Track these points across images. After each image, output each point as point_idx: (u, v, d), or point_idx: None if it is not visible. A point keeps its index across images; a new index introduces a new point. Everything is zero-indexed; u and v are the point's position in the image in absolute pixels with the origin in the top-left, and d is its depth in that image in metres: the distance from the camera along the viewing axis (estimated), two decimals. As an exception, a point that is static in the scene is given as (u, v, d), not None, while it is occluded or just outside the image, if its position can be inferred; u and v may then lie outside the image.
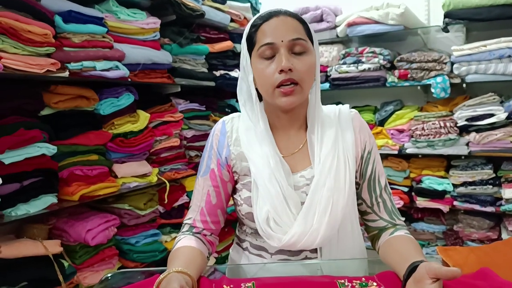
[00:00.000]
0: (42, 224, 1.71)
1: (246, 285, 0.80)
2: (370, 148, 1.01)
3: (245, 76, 0.98)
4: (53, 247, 1.57)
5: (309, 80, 0.93)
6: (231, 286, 0.80)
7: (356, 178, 1.00)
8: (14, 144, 1.47)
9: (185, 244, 0.94)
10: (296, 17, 0.94)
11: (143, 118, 2.02)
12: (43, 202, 1.58)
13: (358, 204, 1.03)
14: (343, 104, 1.08)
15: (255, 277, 0.86)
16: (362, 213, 1.05)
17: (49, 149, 1.59)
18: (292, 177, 0.96)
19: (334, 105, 1.06)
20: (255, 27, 0.93)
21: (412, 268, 0.75)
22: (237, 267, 1.04)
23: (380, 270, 0.86)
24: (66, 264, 1.61)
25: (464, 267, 0.87)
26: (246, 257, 1.04)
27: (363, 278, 0.82)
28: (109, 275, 0.93)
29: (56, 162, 1.65)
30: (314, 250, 0.96)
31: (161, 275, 0.76)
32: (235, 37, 2.63)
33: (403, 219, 1.03)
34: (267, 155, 0.95)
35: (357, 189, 1.02)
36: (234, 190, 1.04)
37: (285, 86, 0.89)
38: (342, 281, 0.81)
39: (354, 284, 0.80)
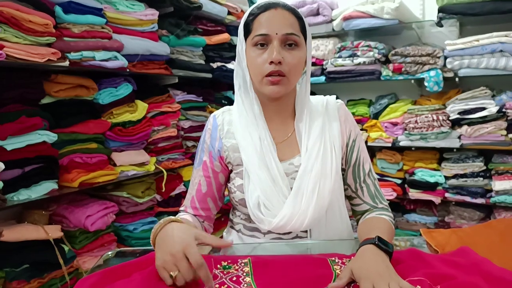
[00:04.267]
0: (43, 210, 1.75)
1: (243, 261, 0.84)
2: (354, 136, 1.07)
3: (240, 61, 1.03)
4: (54, 231, 1.61)
5: (297, 73, 0.99)
6: (229, 261, 0.84)
7: (342, 164, 1.06)
8: (16, 131, 1.51)
9: (184, 217, 1.04)
10: (293, 11, 0.98)
11: (141, 108, 2.05)
12: (44, 188, 1.63)
13: (344, 190, 1.09)
14: (338, 97, 1.13)
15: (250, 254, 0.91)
16: (348, 198, 1.11)
17: (49, 136, 1.63)
18: (281, 165, 1.01)
19: (322, 96, 1.11)
20: (253, 15, 0.98)
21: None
22: (230, 247, 1.08)
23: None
24: (66, 248, 1.66)
25: (446, 247, 0.92)
26: (239, 238, 1.09)
27: (352, 257, 0.87)
28: (109, 253, 0.98)
29: (57, 150, 1.69)
30: (304, 230, 1.02)
31: (157, 224, 0.83)
32: (232, 30, 2.67)
33: (387, 202, 1.08)
34: (258, 141, 1.00)
35: (343, 175, 1.08)
36: (229, 179, 1.09)
37: (273, 76, 0.95)
38: (333, 258, 0.86)
39: (344, 261, 0.85)
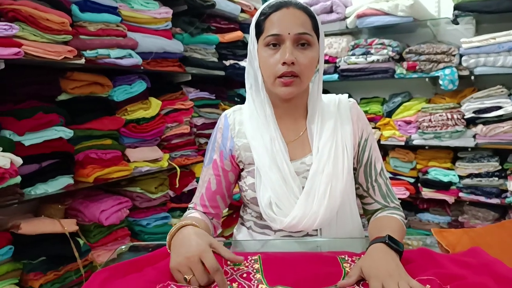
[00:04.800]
0: (59, 204, 1.79)
1: (253, 258, 0.85)
2: (367, 136, 1.06)
3: (251, 60, 1.03)
4: (70, 225, 1.65)
5: (309, 73, 0.98)
6: None
7: (353, 164, 1.06)
8: (33, 127, 1.55)
9: (194, 215, 1.05)
10: (305, 10, 0.97)
11: (155, 105, 2.08)
12: (60, 183, 1.67)
13: (356, 189, 1.08)
14: (351, 95, 1.12)
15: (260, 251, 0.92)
16: (359, 197, 1.10)
17: (66, 132, 1.67)
18: (292, 164, 1.01)
19: (334, 95, 1.10)
20: (265, 15, 0.97)
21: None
22: (240, 243, 1.10)
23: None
24: (81, 242, 1.70)
25: (457, 247, 0.91)
26: (250, 235, 1.10)
27: (362, 255, 0.87)
28: (123, 247, 1.00)
29: (72, 146, 1.73)
30: (315, 230, 1.02)
31: (174, 227, 0.85)
32: (245, 28, 2.67)
33: (398, 202, 1.08)
34: (269, 142, 1.00)
35: (354, 174, 1.07)
36: (240, 177, 1.10)
37: (286, 78, 0.95)
38: (343, 256, 0.86)
39: (354, 259, 0.85)
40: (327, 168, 0.98)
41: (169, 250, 0.83)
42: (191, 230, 0.82)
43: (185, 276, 0.73)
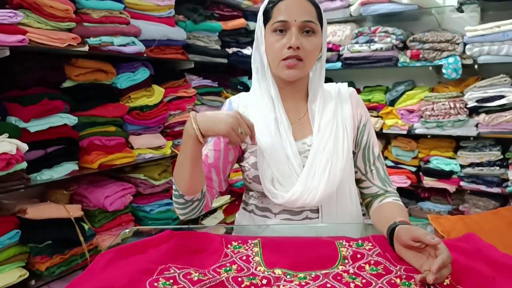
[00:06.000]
0: (64, 190, 1.83)
1: (253, 242, 0.88)
2: (365, 121, 1.11)
3: (258, 46, 1.08)
4: (75, 211, 1.69)
5: (313, 58, 1.04)
6: (239, 241, 0.88)
7: (352, 147, 1.09)
8: (39, 113, 1.58)
9: None
10: (311, 0, 1.03)
11: (158, 92, 2.10)
12: (65, 169, 1.70)
13: (354, 172, 1.11)
14: (354, 84, 1.15)
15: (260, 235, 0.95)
16: (357, 181, 1.13)
17: (70, 119, 1.69)
18: (295, 144, 1.05)
19: (334, 83, 1.15)
20: (273, 3, 1.03)
21: (392, 230, 0.84)
22: (242, 228, 1.13)
23: (374, 233, 0.94)
24: (86, 227, 1.74)
25: (452, 233, 0.93)
26: (251, 218, 1.12)
27: (360, 240, 0.89)
28: (127, 231, 1.03)
29: (77, 132, 1.75)
30: (315, 211, 1.05)
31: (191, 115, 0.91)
32: (248, 15, 2.66)
33: (395, 186, 1.11)
34: (273, 122, 1.05)
35: (352, 158, 1.10)
36: (242, 159, 1.12)
37: (290, 60, 1.00)
38: (341, 241, 0.88)
39: (351, 244, 0.87)
40: (328, 145, 1.02)
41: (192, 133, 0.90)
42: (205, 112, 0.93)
43: (240, 130, 0.89)
